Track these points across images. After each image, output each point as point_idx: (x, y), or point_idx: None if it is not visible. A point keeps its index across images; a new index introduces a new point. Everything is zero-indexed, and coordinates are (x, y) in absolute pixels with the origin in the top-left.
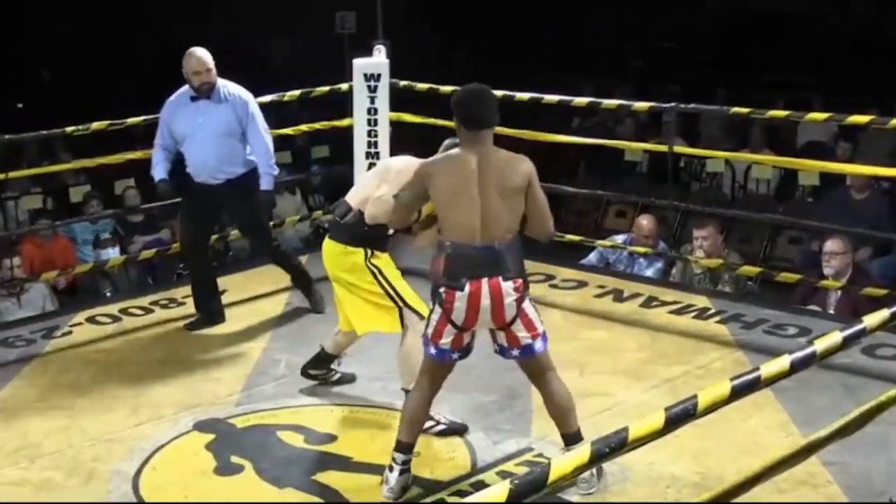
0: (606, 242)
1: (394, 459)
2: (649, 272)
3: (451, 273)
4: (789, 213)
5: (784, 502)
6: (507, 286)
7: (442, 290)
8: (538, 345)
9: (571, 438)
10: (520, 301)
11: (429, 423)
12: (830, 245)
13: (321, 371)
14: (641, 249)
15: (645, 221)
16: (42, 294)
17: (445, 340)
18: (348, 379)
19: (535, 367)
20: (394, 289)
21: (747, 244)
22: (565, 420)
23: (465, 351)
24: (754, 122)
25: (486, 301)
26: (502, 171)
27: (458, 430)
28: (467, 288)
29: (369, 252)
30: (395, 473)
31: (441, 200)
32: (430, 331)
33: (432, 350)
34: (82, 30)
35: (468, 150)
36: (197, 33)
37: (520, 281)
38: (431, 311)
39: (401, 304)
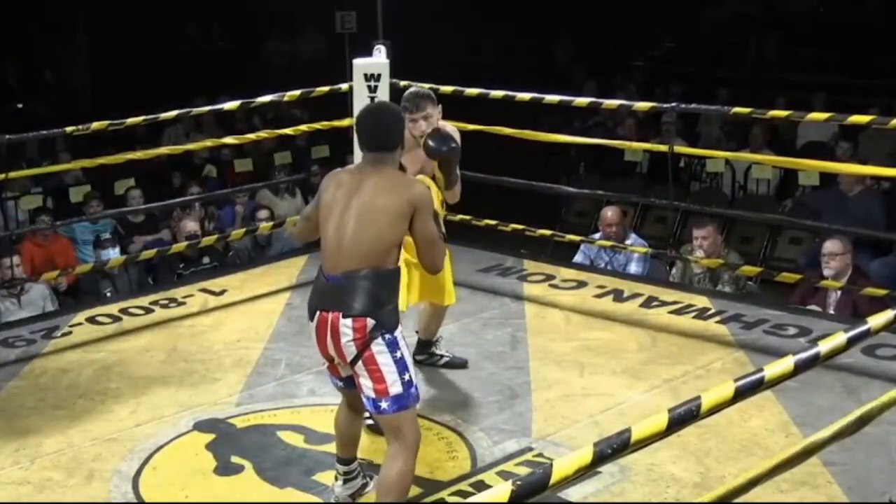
0: (576, 238)
1: (337, 470)
2: (632, 268)
3: (309, 302)
4: (790, 213)
5: (785, 502)
6: (346, 324)
7: (308, 317)
8: (383, 404)
9: None
10: (362, 344)
11: (434, 358)
12: (829, 246)
13: (424, 356)
14: (607, 243)
15: (610, 213)
16: (42, 294)
17: (325, 366)
18: (459, 363)
19: (383, 425)
20: None
21: (747, 244)
22: (377, 498)
23: (349, 382)
24: (755, 122)
25: (328, 334)
26: (378, 195)
27: (459, 364)
28: (315, 318)
29: None
30: (339, 482)
31: (320, 216)
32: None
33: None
34: (86, 31)
35: (360, 168)
36: (199, 34)
37: (364, 321)
38: None
39: None
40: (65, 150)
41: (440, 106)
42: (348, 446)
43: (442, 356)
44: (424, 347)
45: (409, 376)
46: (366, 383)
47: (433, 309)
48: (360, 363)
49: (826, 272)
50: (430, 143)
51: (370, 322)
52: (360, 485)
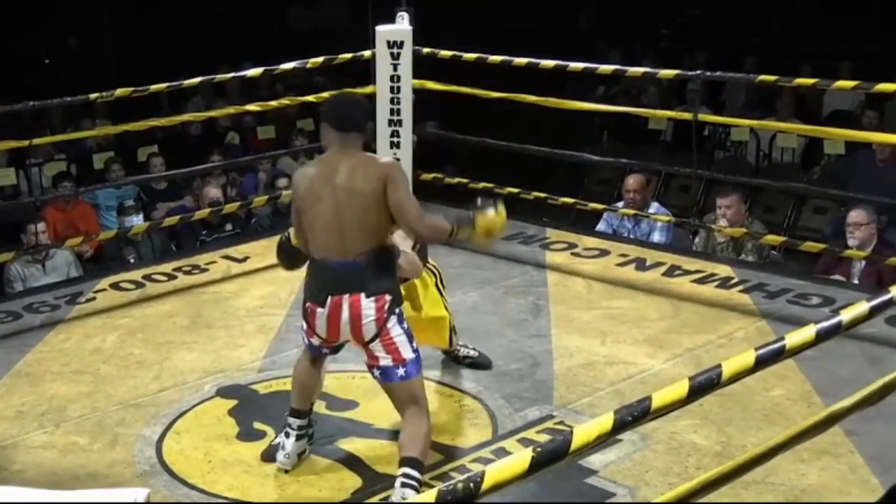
0: (599, 207)
1: (289, 425)
2: (656, 237)
3: (313, 289)
4: (815, 182)
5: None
6: (368, 303)
7: (307, 304)
8: (400, 371)
9: (409, 461)
10: (382, 320)
11: (459, 356)
12: (854, 216)
13: (449, 354)
14: (630, 212)
15: (632, 180)
16: (67, 260)
17: (315, 342)
18: (483, 363)
19: (397, 395)
20: None
21: (771, 213)
22: (405, 447)
23: (336, 349)
24: (780, 90)
25: (345, 316)
26: (358, 175)
27: (483, 363)
28: (328, 304)
29: None
30: (292, 439)
31: (303, 209)
32: (303, 329)
33: (305, 339)
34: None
35: (327, 156)
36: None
37: (385, 298)
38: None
39: None
40: (87, 117)
41: None
42: (307, 398)
43: (465, 356)
44: (447, 353)
45: (416, 344)
46: (382, 356)
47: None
48: (377, 341)
49: (850, 242)
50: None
51: (387, 298)
52: (307, 446)
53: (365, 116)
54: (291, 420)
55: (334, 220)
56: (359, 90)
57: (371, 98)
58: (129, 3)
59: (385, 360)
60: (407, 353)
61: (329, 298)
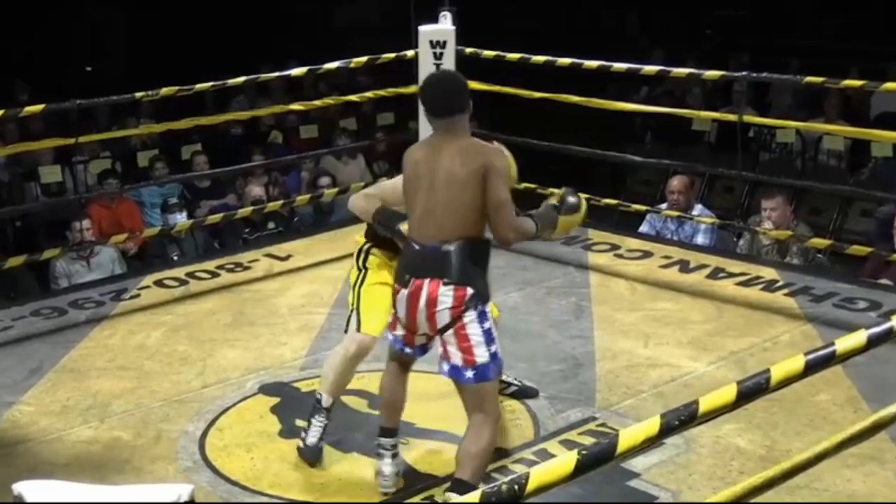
0: (642, 208)
1: (381, 446)
2: (700, 239)
3: (401, 270)
4: (863, 184)
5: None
6: (446, 290)
7: (395, 285)
8: (468, 373)
9: (456, 484)
10: (457, 312)
11: (502, 385)
12: None
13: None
14: (674, 213)
15: (676, 181)
16: (111, 257)
17: (398, 333)
18: (531, 394)
19: (465, 397)
20: (359, 290)
21: (817, 216)
22: (459, 464)
23: (420, 350)
24: (828, 91)
25: (423, 301)
26: (457, 161)
27: (529, 393)
28: (410, 286)
29: (368, 244)
30: (388, 460)
31: (405, 189)
32: (390, 318)
33: (389, 335)
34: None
35: (434, 137)
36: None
37: (466, 290)
38: None
39: (353, 307)
40: (133, 115)
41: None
42: (396, 414)
43: (510, 384)
44: None
45: (496, 348)
46: (453, 351)
47: None
48: (449, 332)
49: None
50: (571, 200)
51: (469, 291)
52: (403, 464)
53: (462, 95)
54: (383, 441)
55: (431, 203)
56: (402, 90)
57: (414, 98)
58: (175, 3)
59: (455, 358)
60: (480, 356)
61: (412, 281)
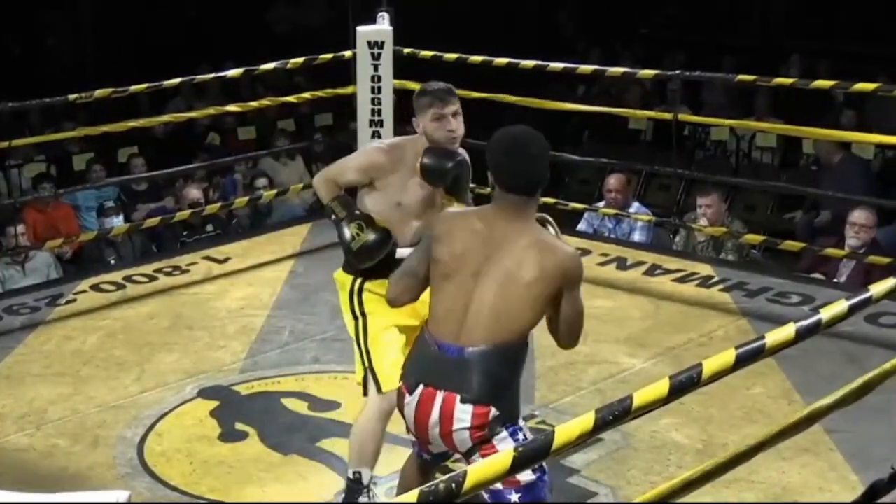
0: (580, 206)
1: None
2: (637, 236)
3: (409, 368)
4: (793, 181)
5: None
6: (463, 409)
7: (400, 383)
8: (514, 497)
9: None
10: (480, 436)
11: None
12: (858, 217)
13: None
14: (612, 211)
15: (613, 179)
16: (46, 262)
17: (412, 437)
18: None
19: None
20: (366, 346)
21: (751, 212)
22: None
23: (440, 457)
24: (759, 89)
25: (434, 417)
26: (525, 258)
27: None
28: (418, 392)
29: (357, 282)
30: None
31: (436, 270)
32: None
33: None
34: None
35: (497, 212)
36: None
37: (487, 409)
38: None
39: (366, 365)
40: (67, 118)
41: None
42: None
43: None
44: None
45: (542, 462)
46: None
47: None
48: (476, 455)
49: (852, 242)
50: (428, 160)
51: (493, 412)
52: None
53: (543, 169)
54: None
55: (467, 298)
56: (340, 90)
57: (352, 98)
58: (108, 4)
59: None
60: (524, 475)
61: (420, 387)
